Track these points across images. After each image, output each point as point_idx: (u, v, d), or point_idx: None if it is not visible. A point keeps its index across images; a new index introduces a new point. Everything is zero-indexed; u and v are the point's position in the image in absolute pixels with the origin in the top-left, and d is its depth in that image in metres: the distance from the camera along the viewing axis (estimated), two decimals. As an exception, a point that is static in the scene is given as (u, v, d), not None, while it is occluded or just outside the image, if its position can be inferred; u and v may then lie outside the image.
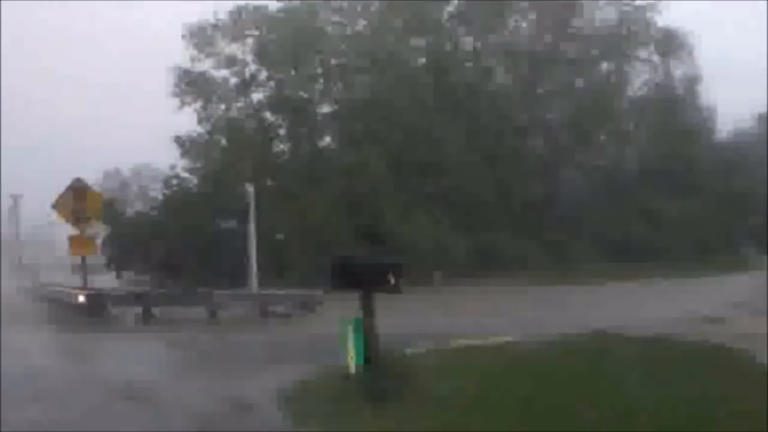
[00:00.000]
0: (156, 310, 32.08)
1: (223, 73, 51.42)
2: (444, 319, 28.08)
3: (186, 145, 49.78)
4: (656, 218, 52.61)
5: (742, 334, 20.81)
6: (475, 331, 23.06)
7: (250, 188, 38.26)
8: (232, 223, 39.08)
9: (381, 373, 14.50)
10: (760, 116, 63.53)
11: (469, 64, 53.55)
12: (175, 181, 48.98)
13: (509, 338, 21.56)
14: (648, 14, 57.99)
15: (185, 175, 49.49)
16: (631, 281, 40.90)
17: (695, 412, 12.17)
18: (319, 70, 51.66)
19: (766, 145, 58.36)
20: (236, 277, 37.88)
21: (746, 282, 39.30)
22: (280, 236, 41.15)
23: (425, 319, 26.72)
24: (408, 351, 18.32)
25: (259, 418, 13.99)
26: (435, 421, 12.57)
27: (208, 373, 18.44)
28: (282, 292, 34.38)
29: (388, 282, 14.56)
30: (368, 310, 14.81)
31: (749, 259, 48.24)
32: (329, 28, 52.48)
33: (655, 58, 59.77)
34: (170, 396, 15.83)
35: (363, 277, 14.73)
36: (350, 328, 14.98)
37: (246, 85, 51.60)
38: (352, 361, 15.00)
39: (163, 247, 42.46)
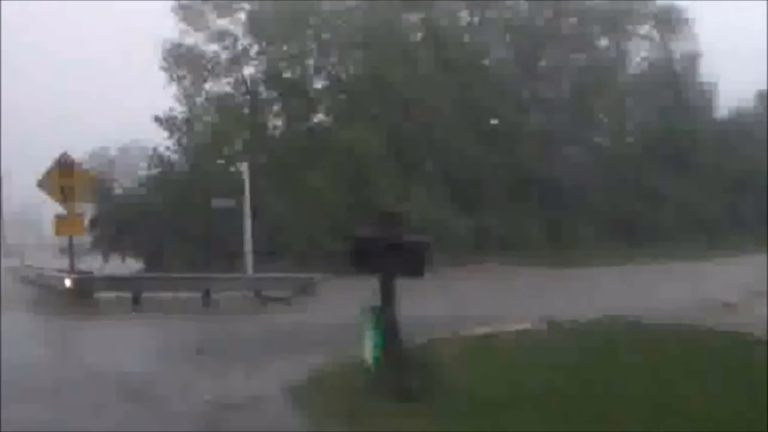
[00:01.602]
0: (146, 295, 31.00)
1: (214, 47, 50.31)
2: (451, 304, 27.03)
3: (169, 123, 48.69)
4: (656, 196, 52.08)
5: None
6: (486, 318, 22.02)
7: (244, 166, 37.18)
8: (228, 203, 37.75)
9: (403, 366, 13.30)
10: (760, 94, 63.20)
11: (466, 40, 52.48)
12: (161, 160, 47.99)
13: (527, 326, 20.44)
14: (647, -10, 57.53)
15: (172, 153, 48.51)
16: (636, 262, 40.15)
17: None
18: (313, 45, 50.53)
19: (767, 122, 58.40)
20: (230, 259, 36.89)
21: (754, 263, 38.54)
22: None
23: (432, 305, 25.45)
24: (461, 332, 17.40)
25: (270, 419, 12.75)
26: (468, 421, 11.43)
27: (207, 365, 17.16)
28: (279, 275, 33.34)
29: (415, 264, 13.34)
30: (389, 296, 13.55)
31: (753, 239, 47.49)
32: (322, 3, 51.28)
33: (655, 34, 59.28)
34: (163, 392, 14.63)
35: (385, 259, 13.40)
36: (369, 317, 13.75)
37: (237, 60, 50.39)
38: (370, 353, 13.76)
39: (153, 228, 41.31)
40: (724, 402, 11.58)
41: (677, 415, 11.02)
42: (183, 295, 30.80)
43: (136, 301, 30.51)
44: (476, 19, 54.41)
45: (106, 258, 44.80)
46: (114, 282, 33.11)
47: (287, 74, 49.47)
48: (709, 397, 11.80)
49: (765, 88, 61.61)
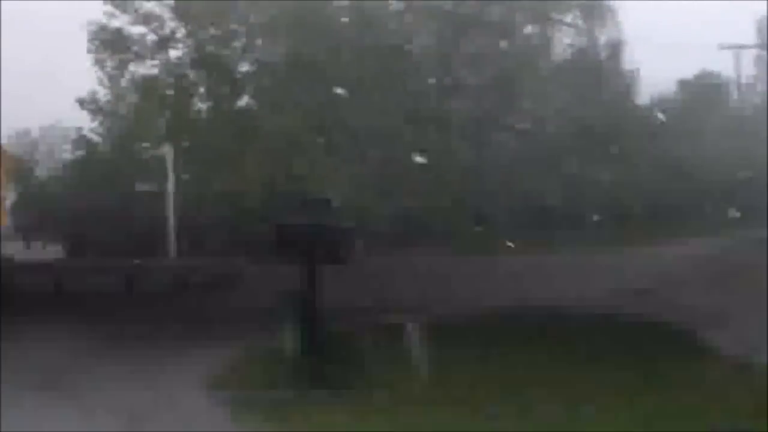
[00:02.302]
0: (68, 280, 30.81)
1: (140, 29, 49.72)
2: (373, 292, 27.25)
3: (92, 105, 48.13)
4: (578, 182, 52.42)
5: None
6: (407, 307, 22.24)
7: (168, 149, 36.97)
8: (149, 186, 37.56)
9: (324, 354, 13.43)
10: (682, 82, 64.30)
11: (391, 26, 52.48)
12: (84, 143, 47.46)
13: (438, 312, 20.84)
14: (573, -21, 57.85)
15: (96, 136, 47.99)
16: (557, 251, 40.71)
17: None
18: (241, 29, 50.25)
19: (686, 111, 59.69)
20: (154, 245, 36.69)
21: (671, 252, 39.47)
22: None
23: (354, 293, 25.63)
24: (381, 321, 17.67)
25: (187, 410, 12.72)
26: (386, 409, 11.62)
27: (124, 354, 17.08)
28: (202, 261, 33.36)
29: (337, 252, 13.54)
30: (312, 284, 13.70)
31: (672, 228, 48.29)
32: (249, -15, 51.02)
33: (580, 22, 59.62)
34: (79, 382, 14.55)
35: (309, 246, 13.54)
36: (291, 304, 13.84)
37: (164, 43, 49.79)
38: (291, 340, 13.84)
39: (76, 212, 40.84)
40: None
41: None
42: (105, 281, 30.72)
43: (57, 287, 30.35)
44: (402, 5, 54.46)
45: (27, 244, 44.12)
46: (35, 268, 32.92)
47: (214, 57, 49.14)
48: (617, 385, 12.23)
49: (686, 77, 62.98)
